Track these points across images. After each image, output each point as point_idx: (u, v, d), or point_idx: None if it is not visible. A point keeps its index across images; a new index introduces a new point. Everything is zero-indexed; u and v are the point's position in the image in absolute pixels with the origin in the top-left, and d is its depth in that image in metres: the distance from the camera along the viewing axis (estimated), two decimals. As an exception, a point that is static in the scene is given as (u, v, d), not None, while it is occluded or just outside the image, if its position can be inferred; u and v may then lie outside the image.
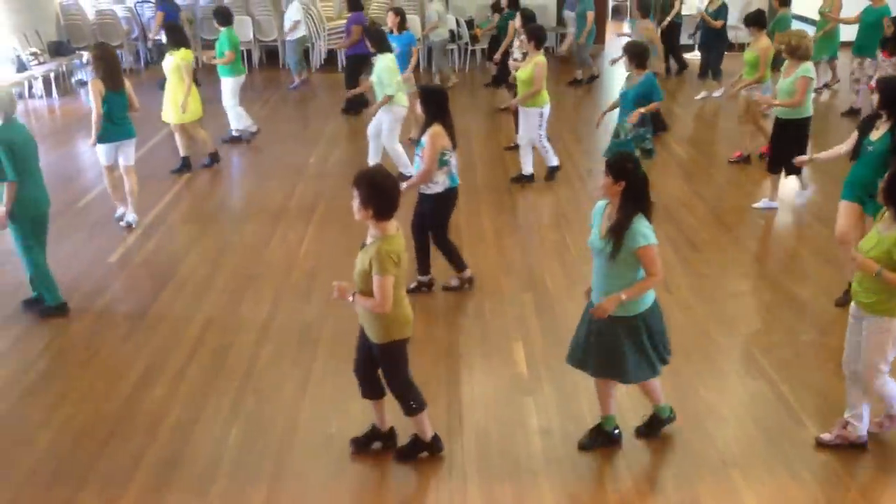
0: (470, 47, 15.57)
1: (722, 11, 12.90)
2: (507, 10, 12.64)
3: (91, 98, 7.64)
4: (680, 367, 5.42)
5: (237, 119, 10.81)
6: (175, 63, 9.25)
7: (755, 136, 9.74)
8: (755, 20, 9.53)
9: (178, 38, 9.46)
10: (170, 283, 6.86)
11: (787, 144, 7.83)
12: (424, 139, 6.16)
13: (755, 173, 9.34)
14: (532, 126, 8.93)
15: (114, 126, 7.74)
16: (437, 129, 6.15)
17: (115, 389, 5.35)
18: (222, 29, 10.42)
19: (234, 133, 10.92)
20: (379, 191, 4.12)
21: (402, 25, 10.27)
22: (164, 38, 9.47)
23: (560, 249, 7.41)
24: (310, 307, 6.42)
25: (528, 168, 9.20)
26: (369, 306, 4.20)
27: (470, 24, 15.63)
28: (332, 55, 15.64)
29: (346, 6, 12.76)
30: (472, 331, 6.08)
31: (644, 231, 4.24)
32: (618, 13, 20.13)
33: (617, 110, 8.14)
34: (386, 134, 9.03)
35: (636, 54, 7.90)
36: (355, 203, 4.13)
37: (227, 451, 4.73)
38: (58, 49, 14.37)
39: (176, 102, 9.31)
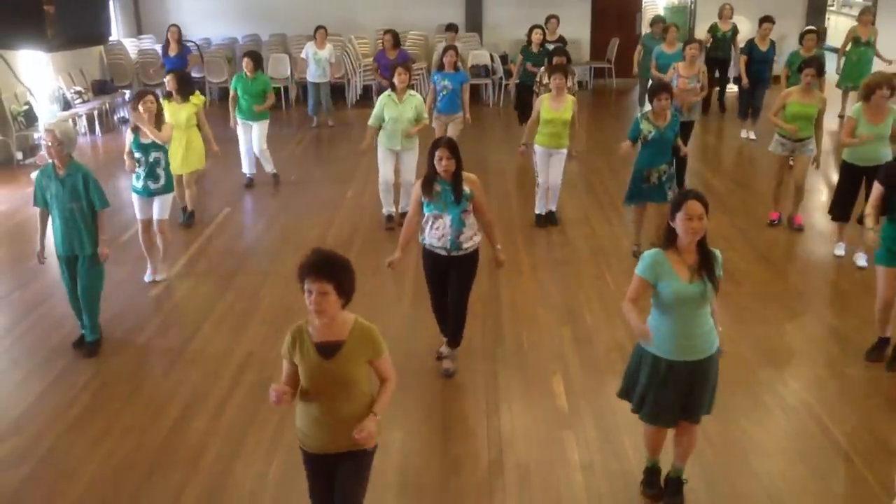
0: (504, 82, 15.66)
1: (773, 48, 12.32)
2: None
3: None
4: (723, 401, 5.32)
5: (270, 161, 10.73)
6: (191, 110, 8.68)
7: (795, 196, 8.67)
8: (819, 67, 8.30)
9: (192, 87, 8.93)
10: (210, 317, 6.93)
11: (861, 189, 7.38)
12: (470, 189, 5.45)
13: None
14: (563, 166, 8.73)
15: None
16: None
17: (157, 423, 5.40)
18: (256, 73, 10.32)
19: (273, 172, 10.89)
20: (352, 273, 3.56)
21: (456, 65, 10.50)
22: (171, 88, 8.65)
23: (598, 284, 7.38)
24: (348, 341, 6.43)
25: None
26: (390, 393, 3.71)
27: (504, 59, 15.75)
28: (366, 91, 15.82)
29: (390, 43, 12.23)
30: (511, 364, 6.05)
31: (718, 255, 4.14)
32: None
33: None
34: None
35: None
36: (324, 297, 3.45)
37: (268, 485, 4.75)
38: (101, 88, 14.71)
39: (200, 149, 8.88)
